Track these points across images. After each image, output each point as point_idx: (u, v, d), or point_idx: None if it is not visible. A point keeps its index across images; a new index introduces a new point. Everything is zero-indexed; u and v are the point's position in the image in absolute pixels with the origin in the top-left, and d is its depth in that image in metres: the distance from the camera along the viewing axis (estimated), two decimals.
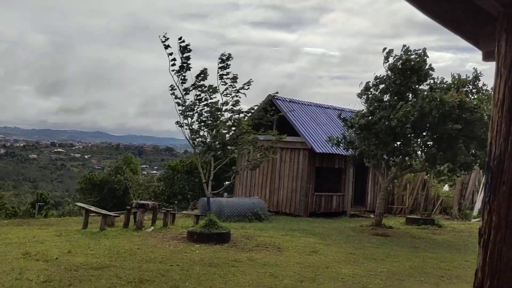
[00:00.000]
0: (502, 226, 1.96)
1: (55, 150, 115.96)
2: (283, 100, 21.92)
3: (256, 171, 21.74)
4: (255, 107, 15.18)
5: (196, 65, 12.95)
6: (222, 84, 12.97)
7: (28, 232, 12.32)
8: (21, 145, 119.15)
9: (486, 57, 2.34)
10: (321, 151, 20.10)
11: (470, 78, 16.33)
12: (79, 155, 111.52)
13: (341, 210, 21.39)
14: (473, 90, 16.21)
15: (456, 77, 16.39)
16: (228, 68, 12.98)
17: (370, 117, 16.09)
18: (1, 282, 7.24)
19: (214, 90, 12.84)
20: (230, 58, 13.00)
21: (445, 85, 16.16)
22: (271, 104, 20.93)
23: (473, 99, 15.24)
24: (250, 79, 13.30)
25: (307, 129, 21.04)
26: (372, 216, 19.76)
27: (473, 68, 16.58)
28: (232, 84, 12.96)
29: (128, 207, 14.24)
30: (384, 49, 16.42)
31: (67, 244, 10.49)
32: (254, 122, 14.10)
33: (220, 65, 12.91)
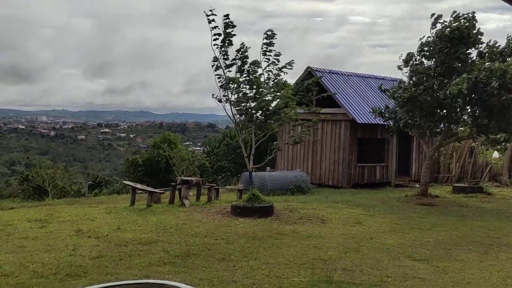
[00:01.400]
0: None
1: (102, 130, 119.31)
2: (322, 71, 21.61)
3: (297, 145, 21.70)
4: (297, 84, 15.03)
5: (234, 41, 12.95)
6: (265, 61, 12.98)
7: (79, 210, 12.84)
8: (70, 127, 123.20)
9: None
10: (363, 122, 19.80)
11: None
12: (125, 134, 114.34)
13: (385, 181, 21.11)
14: None
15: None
16: (273, 46, 12.96)
17: (414, 89, 15.67)
18: (57, 258, 7.62)
19: (257, 63, 12.84)
20: (275, 36, 12.96)
21: (497, 50, 15.47)
22: (310, 76, 20.72)
23: None
24: (292, 60, 13.24)
25: (348, 100, 20.73)
26: (417, 186, 19.42)
27: None
28: (274, 61, 12.92)
29: (173, 183, 14.56)
30: (433, 15, 15.86)
31: (116, 221, 10.88)
32: (297, 98, 13.97)
33: (264, 41, 12.90)
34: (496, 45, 15.72)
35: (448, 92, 14.67)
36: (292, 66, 13.15)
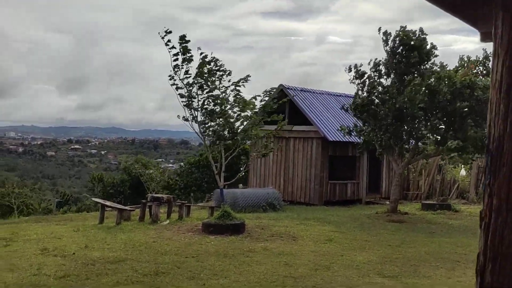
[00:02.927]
0: (503, 209, 1.94)
1: (72, 147, 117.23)
2: (294, 89, 21.83)
3: (269, 162, 21.77)
4: (265, 98, 15.21)
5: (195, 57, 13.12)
6: (217, 79, 13.14)
7: (46, 228, 12.51)
8: (39, 143, 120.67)
9: (484, 38, 2.30)
10: (334, 139, 20.02)
11: (480, 59, 16.13)
12: (96, 151, 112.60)
13: (356, 198, 21.32)
14: (484, 71, 16.02)
15: (465, 59, 16.22)
16: (216, 63, 13.18)
17: (365, 97, 16.12)
18: (20, 277, 7.39)
19: (213, 73, 12.95)
20: (216, 59, 13.21)
21: (446, 67, 16.01)
22: (282, 93, 20.91)
23: (483, 79, 15.08)
24: (248, 75, 13.46)
25: (319, 117, 20.96)
26: (387, 203, 19.66)
27: (483, 49, 16.32)
28: (221, 77, 13.11)
29: (144, 200, 14.36)
30: (379, 29, 16.33)
31: (84, 239, 10.64)
32: (263, 111, 14.17)
33: (201, 60, 13.05)
34: (444, 64, 16.27)
35: (406, 96, 15.02)
36: (247, 80, 13.38)
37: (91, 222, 13.84)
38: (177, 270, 8.11)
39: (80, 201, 37.53)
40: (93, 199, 18.32)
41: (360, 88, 16.79)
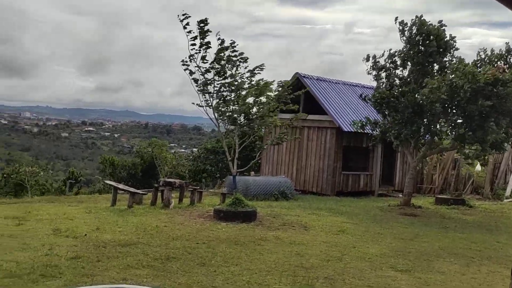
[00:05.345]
0: None
1: (86, 129, 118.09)
2: (311, 78, 21.62)
3: (282, 150, 21.65)
4: (279, 89, 15.11)
5: (213, 43, 13.03)
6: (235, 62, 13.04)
7: (59, 209, 12.57)
8: (53, 124, 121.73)
9: None
10: (349, 130, 19.82)
11: (503, 52, 15.73)
12: (109, 133, 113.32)
13: (368, 190, 21.15)
14: (505, 65, 15.62)
15: (485, 52, 15.80)
16: (234, 49, 13.07)
17: (387, 90, 15.83)
18: (32, 257, 7.40)
19: (232, 61, 12.84)
20: (234, 44, 13.07)
21: (463, 61, 15.64)
22: (298, 82, 20.73)
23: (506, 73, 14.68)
24: (263, 63, 13.38)
25: (334, 107, 20.75)
26: (400, 195, 19.48)
27: (505, 43, 15.86)
28: (239, 63, 13.00)
29: (156, 185, 14.35)
30: (396, 18, 15.99)
31: (96, 221, 10.66)
32: (279, 99, 14.07)
33: (220, 46, 12.93)
34: (462, 60, 15.84)
35: (424, 95, 14.71)
36: (262, 68, 13.31)
37: (103, 204, 13.89)
38: (188, 255, 8.07)
39: (92, 183, 37.82)
40: (106, 181, 18.39)
41: (378, 79, 16.50)
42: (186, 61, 12.99)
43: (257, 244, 9.30)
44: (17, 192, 21.04)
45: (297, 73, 21.32)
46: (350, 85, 23.51)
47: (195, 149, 36.60)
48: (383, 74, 16.47)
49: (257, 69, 13.42)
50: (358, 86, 23.47)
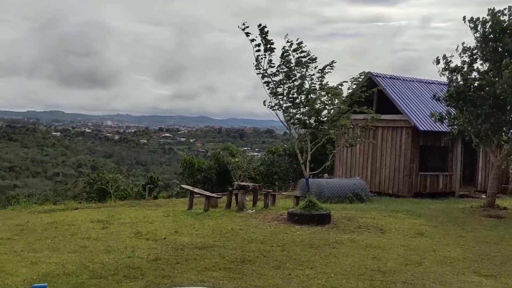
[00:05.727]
0: None
1: (163, 135, 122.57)
2: (383, 77, 21.10)
3: (356, 152, 21.28)
4: (353, 86, 14.91)
5: (277, 46, 13.17)
6: (305, 64, 13.04)
7: (139, 213, 13.14)
8: (133, 131, 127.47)
9: None
10: (425, 129, 19.11)
11: None
12: (185, 139, 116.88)
13: (448, 191, 20.25)
14: None
15: None
16: (302, 51, 13.07)
17: (462, 84, 15.03)
18: (116, 259, 7.79)
19: (301, 64, 12.86)
20: (302, 45, 13.03)
21: None
22: (370, 82, 20.30)
23: None
24: (333, 61, 13.25)
25: (409, 106, 20.10)
26: (483, 196, 18.47)
27: None
28: (308, 64, 12.96)
29: (230, 188, 14.61)
30: (464, 17, 15.21)
31: (174, 224, 11.03)
32: (351, 100, 13.92)
33: (294, 47, 12.94)
34: None
35: (504, 86, 13.82)
36: (333, 67, 13.18)
37: (180, 208, 14.33)
38: (263, 258, 8.15)
39: (169, 187, 39.09)
40: (182, 186, 18.98)
41: (451, 80, 15.71)
42: (258, 64, 13.25)
43: (332, 247, 9.21)
44: (100, 197, 22.27)
45: (369, 72, 20.87)
46: (426, 82, 22.68)
47: (262, 153, 36.88)
48: (457, 76, 15.68)
49: (328, 67, 13.34)
50: (434, 83, 22.59)
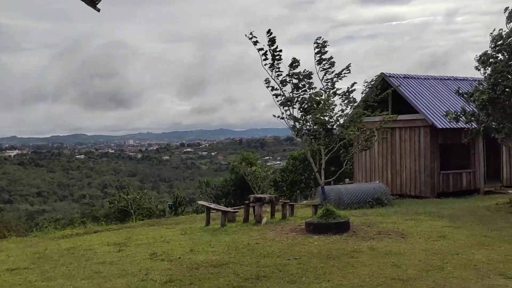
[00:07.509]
0: None
1: (185, 150, 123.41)
2: (397, 77, 20.77)
3: (375, 155, 20.93)
4: (367, 89, 14.72)
5: (306, 52, 13.11)
6: (321, 70, 12.87)
7: (157, 232, 13.06)
8: (154, 148, 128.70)
9: None
10: (444, 127, 18.69)
11: None
12: (206, 152, 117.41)
13: (473, 188, 19.74)
14: None
15: None
16: (325, 54, 12.94)
17: (491, 91, 14.38)
18: (129, 283, 7.69)
19: (309, 75, 12.77)
20: (326, 44, 12.86)
21: None
22: (384, 83, 19.99)
23: None
24: (349, 64, 13.09)
25: (425, 104, 19.72)
26: (510, 191, 17.94)
27: None
28: (328, 69, 12.83)
29: (246, 201, 14.45)
30: (506, 9, 14.68)
31: (190, 242, 10.90)
32: (365, 104, 13.75)
33: (316, 50, 12.80)
34: None
35: None
36: (349, 70, 13.05)
37: (198, 225, 14.21)
38: (278, 273, 7.94)
39: (194, 201, 39.16)
40: (199, 202, 18.93)
41: (487, 79, 14.98)
42: (268, 79, 13.24)
43: (350, 256, 8.95)
44: (122, 217, 22.37)
45: (382, 73, 20.58)
46: (441, 79, 22.26)
47: (284, 161, 36.70)
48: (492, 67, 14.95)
49: (345, 70, 13.26)
50: (450, 80, 22.17)
